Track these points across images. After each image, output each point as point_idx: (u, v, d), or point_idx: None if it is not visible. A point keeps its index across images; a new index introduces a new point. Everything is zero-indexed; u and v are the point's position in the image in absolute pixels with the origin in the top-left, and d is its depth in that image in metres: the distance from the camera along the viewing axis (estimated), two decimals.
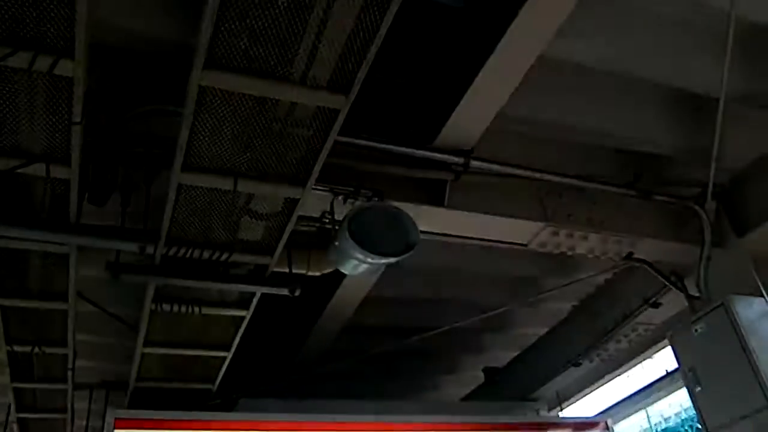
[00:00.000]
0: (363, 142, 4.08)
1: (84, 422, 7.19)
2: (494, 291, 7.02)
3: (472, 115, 4.15)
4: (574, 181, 4.76)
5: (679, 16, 4.42)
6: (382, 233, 3.78)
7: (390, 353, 7.42)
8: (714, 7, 4.27)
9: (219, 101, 2.85)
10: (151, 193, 3.78)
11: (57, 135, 2.95)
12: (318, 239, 4.40)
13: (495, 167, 4.44)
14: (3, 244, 3.65)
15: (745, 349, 4.47)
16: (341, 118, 2.98)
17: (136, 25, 3.68)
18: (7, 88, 2.71)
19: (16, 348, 4.85)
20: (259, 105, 2.91)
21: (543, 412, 7.28)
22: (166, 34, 3.71)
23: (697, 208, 5.07)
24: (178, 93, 2.91)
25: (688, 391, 4.81)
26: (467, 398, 8.70)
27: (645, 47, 4.51)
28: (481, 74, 3.83)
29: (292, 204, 3.52)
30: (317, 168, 3.27)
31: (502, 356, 8.21)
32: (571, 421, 7.01)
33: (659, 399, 7.70)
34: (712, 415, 4.62)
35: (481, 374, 8.26)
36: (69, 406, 6.07)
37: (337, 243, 3.82)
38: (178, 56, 3.10)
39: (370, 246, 3.66)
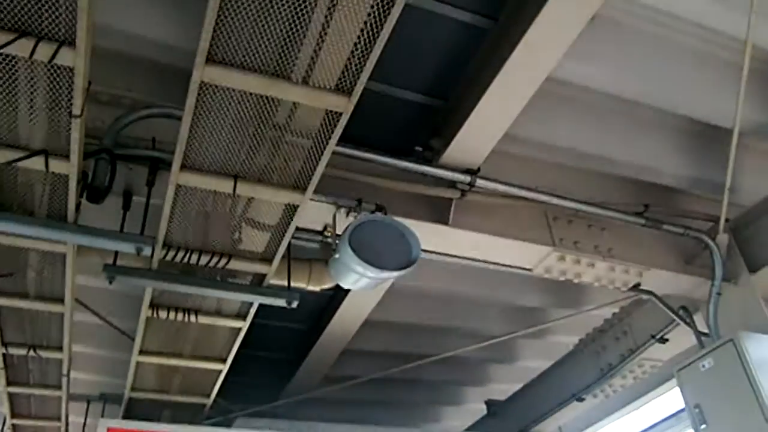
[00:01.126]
0: (368, 155, 4.06)
1: None
2: (500, 321, 6.95)
3: (479, 134, 4.13)
4: (584, 207, 4.70)
5: (695, 45, 4.42)
6: (384, 247, 3.72)
7: (391, 381, 7.33)
8: (731, 36, 4.25)
9: (220, 99, 2.82)
10: (152, 197, 3.77)
11: (57, 128, 2.93)
12: (320, 253, 4.36)
13: (501, 187, 4.38)
14: (1, 241, 3.61)
15: (753, 386, 4.33)
16: (344, 120, 2.94)
17: (141, 30, 3.74)
18: (7, 78, 2.68)
19: (12, 350, 4.80)
20: (260, 105, 2.88)
21: None
22: (171, 39, 3.77)
23: (708, 240, 4.98)
24: (182, 97, 2.88)
25: (694, 429, 4.67)
26: (469, 430, 8.54)
27: (661, 76, 4.49)
28: (488, 92, 3.82)
29: (291, 210, 3.48)
30: (318, 173, 3.23)
31: (505, 389, 8.10)
32: None
33: None
34: None
35: (484, 406, 8.12)
36: (63, 413, 5.99)
37: (337, 255, 3.77)
38: (185, 61, 3.07)
39: (371, 259, 3.60)
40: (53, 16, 2.43)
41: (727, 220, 5.05)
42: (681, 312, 5.34)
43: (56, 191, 3.30)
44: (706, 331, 5.05)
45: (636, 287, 5.15)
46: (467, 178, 4.27)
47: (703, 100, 4.68)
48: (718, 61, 4.46)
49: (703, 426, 4.55)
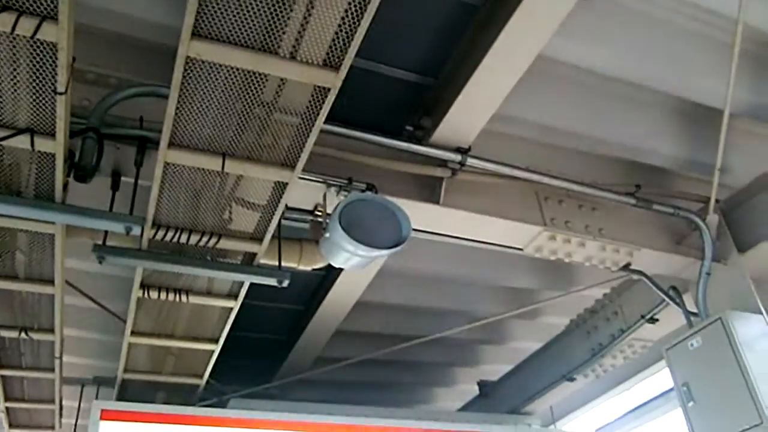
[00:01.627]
0: (358, 134, 4.06)
1: (73, 421, 7.18)
2: (491, 302, 6.98)
3: (470, 112, 4.13)
4: (575, 187, 4.71)
5: (688, 25, 4.41)
6: (374, 225, 3.71)
7: (383, 362, 7.37)
8: (725, 17, 4.24)
9: (206, 74, 2.80)
10: (141, 177, 3.75)
11: (41, 106, 2.90)
12: (311, 233, 4.36)
13: (492, 167, 4.38)
14: None
15: (740, 365, 4.37)
16: (332, 96, 2.92)
17: (127, 9, 3.72)
18: None
19: (3, 333, 4.79)
20: (247, 80, 2.86)
21: (536, 427, 7.15)
22: (158, 17, 3.75)
23: (698, 221, 4.99)
24: (169, 76, 2.86)
25: (682, 407, 4.70)
26: (461, 411, 8.59)
27: (653, 56, 4.49)
28: (478, 70, 3.81)
29: (281, 189, 3.46)
30: (307, 150, 3.22)
31: (497, 369, 8.15)
32: None
33: (655, 418, 7.57)
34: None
35: (476, 387, 8.16)
36: (57, 396, 6.00)
37: (328, 234, 3.77)
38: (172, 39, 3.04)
39: (361, 237, 3.60)
40: None
41: (717, 201, 5.07)
42: (671, 292, 5.35)
43: (43, 171, 3.28)
44: (695, 310, 5.06)
45: (626, 267, 5.17)
46: (458, 157, 4.27)
47: (696, 80, 4.69)
48: (711, 41, 4.46)
49: (691, 403, 4.59)
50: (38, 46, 2.61)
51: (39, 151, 3.12)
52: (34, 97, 2.86)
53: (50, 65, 2.69)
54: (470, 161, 4.29)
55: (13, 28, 2.48)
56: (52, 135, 3.02)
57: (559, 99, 4.74)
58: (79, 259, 4.97)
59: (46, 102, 2.87)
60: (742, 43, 4.47)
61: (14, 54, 2.65)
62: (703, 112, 4.91)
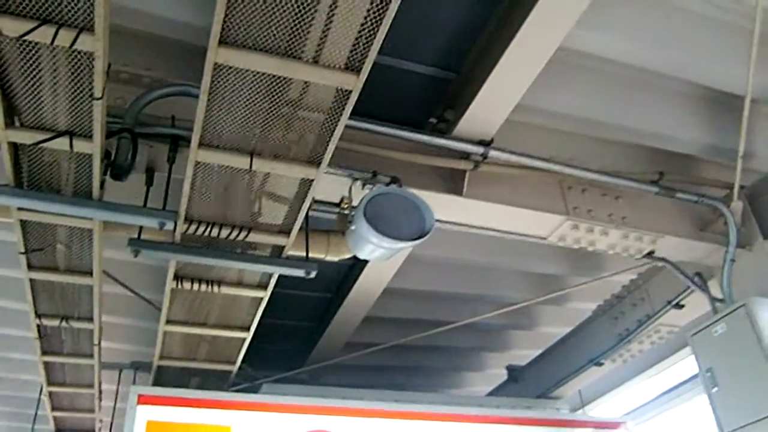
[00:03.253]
0: (382, 129, 4.15)
1: (112, 403, 7.42)
2: (520, 288, 7.05)
3: (492, 105, 4.18)
4: (597, 176, 4.74)
5: (710, 12, 4.41)
6: (398, 218, 3.82)
7: (413, 347, 7.50)
8: (747, 3, 4.24)
9: (233, 78, 2.92)
10: (173, 173, 3.90)
11: (79, 110, 3.04)
12: (337, 225, 4.48)
13: (515, 158, 4.44)
14: (31, 217, 3.77)
15: (763, 351, 4.40)
16: (353, 98, 3.03)
17: (160, 10, 3.85)
18: (31, 64, 2.80)
19: (45, 321, 4.99)
20: (272, 83, 2.97)
21: (564, 411, 7.24)
22: (189, 18, 3.88)
23: (722, 207, 5.01)
24: (200, 75, 2.98)
25: (706, 392, 4.75)
26: (490, 395, 8.69)
27: (674, 43, 4.50)
28: (500, 63, 3.86)
29: (307, 184, 3.58)
30: (331, 147, 3.32)
31: (526, 354, 8.23)
32: (591, 420, 6.95)
33: (683, 403, 7.60)
34: (728, 417, 4.55)
35: (505, 372, 8.26)
36: (96, 381, 6.22)
37: (353, 227, 3.89)
38: (202, 40, 3.16)
39: (385, 230, 3.71)
40: (72, 4, 2.54)
41: (742, 187, 5.08)
42: (696, 278, 5.39)
43: (81, 170, 3.43)
44: (720, 297, 5.10)
45: (650, 254, 5.21)
46: (480, 150, 4.34)
47: (717, 66, 4.68)
48: (732, 27, 4.45)
49: (715, 389, 4.64)
50: (76, 56, 2.75)
51: (77, 152, 3.27)
52: (72, 102, 3.00)
53: (87, 72, 2.83)
54: (492, 153, 4.36)
55: (53, 40, 2.62)
56: (89, 137, 3.16)
57: (580, 88, 4.77)
58: (116, 250, 5.14)
59: (84, 106, 3.02)
60: (763, 27, 4.49)
61: (54, 63, 2.79)
62: (726, 98, 4.91)
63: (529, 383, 7.87)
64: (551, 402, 7.41)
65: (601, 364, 6.82)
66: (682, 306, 5.78)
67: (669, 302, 5.86)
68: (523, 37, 3.73)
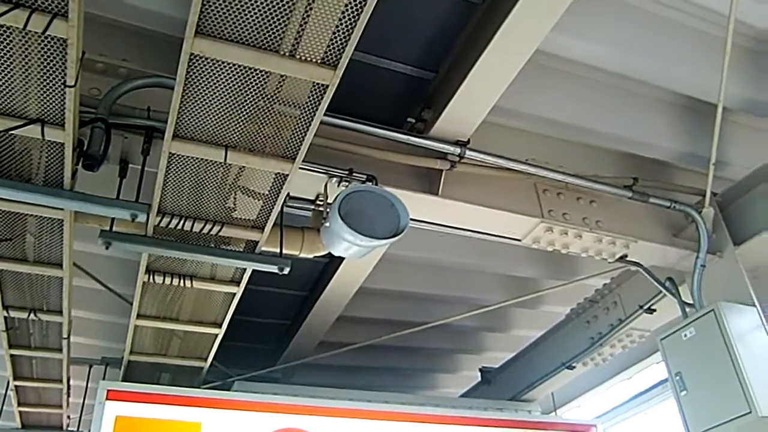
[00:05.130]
0: (359, 126, 4.14)
1: (81, 400, 7.33)
2: (494, 290, 7.07)
3: (470, 105, 4.19)
4: (572, 180, 4.78)
5: (687, 21, 4.48)
6: (373, 216, 3.81)
7: (387, 348, 7.50)
8: (724, 14, 4.29)
9: (210, 70, 2.90)
10: (147, 165, 3.86)
11: (51, 98, 3.00)
12: (312, 222, 4.46)
13: (491, 159, 4.46)
14: (0, 206, 3.72)
15: (731, 355, 4.46)
16: (330, 93, 3.02)
17: (138, 2, 3.83)
18: (2, 48, 2.76)
19: (12, 313, 4.92)
20: (249, 76, 2.95)
21: (536, 413, 7.27)
22: (166, 9, 3.85)
23: (694, 213, 5.05)
24: (176, 67, 2.95)
25: (674, 396, 4.80)
26: (463, 397, 8.71)
27: (652, 51, 4.57)
28: (478, 64, 3.86)
29: (282, 179, 3.57)
30: (307, 142, 3.32)
31: (499, 357, 8.27)
32: (563, 422, 6.99)
33: (654, 406, 7.68)
34: (696, 420, 4.61)
35: (478, 374, 8.28)
36: (64, 376, 6.15)
37: (328, 224, 3.87)
38: (179, 31, 3.14)
39: (360, 227, 3.69)
40: None
41: (714, 194, 5.14)
42: (667, 283, 5.43)
43: (53, 159, 3.39)
44: (690, 302, 5.15)
45: (623, 258, 5.24)
46: (457, 150, 4.35)
47: (693, 75, 4.75)
48: (708, 37, 4.52)
49: (684, 392, 4.69)
50: (49, 42, 2.71)
51: (49, 141, 3.22)
52: (44, 89, 2.96)
53: (60, 59, 2.79)
54: (469, 153, 4.37)
55: (26, 25, 2.58)
56: (61, 125, 3.12)
57: (558, 92, 4.81)
58: (87, 243, 5.09)
59: (56, 94, 2.97)
60: (742, 40, 4.56)
61: (26, 48, 2.75)
62: (702, 106, 4.98)
63: (502, 385, 7.89)
64: (524, 404, 7.43)
65: (573, 368, 6.86)
66: (654, 310, 5.82)
67: (641, 306, 5.90)
68: (500, 40, 3.74)
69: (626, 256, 5.21)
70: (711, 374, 4.56)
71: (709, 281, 5.06)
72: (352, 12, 2.68)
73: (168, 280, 4.40)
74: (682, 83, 4.88)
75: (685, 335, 4.79)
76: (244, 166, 3.47)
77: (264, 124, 3.25)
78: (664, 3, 4.34)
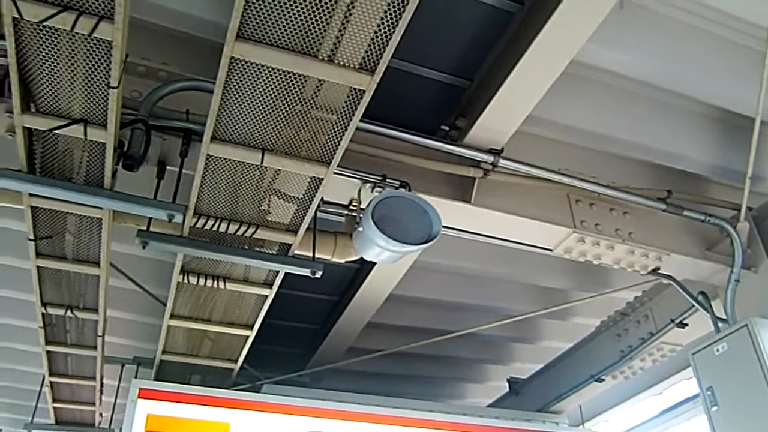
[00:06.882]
0: (394, 133, 4.17)
1: (113, 399, 7.45)
2: (524, 300, 7.04)
3: (504, 114, 4.21)
4: (606, 191, 4.75)
5: (721, 32, 4.45)
6: (406, 222, 3.84)
7: (415, 355, 7.51)
8: (761, 26, 4.27)
9: (249, 73, 2.95)
10: (185, 167, 3.93)
11: (95, 98, 3.09)
12: (345, 226, 4.50)
13: (524, 168, 4.46)
14: (42, 204, 3.81)
15: (764, 372, 4.39)
16: (366, 98, 3.06)
17: (178, 5, 3.91)
18: (50, 50, 2.84)
19: (50, 310, 5.03)
20: (287, 80, 3.01)
21: (564, 426, 7.22)
22: (206, 14, 3.93)
23: (729, 228, 5.00)
24: (215, 71, 3.01)
25: (705, 411, 4.75)
26: (490, 407, 8.67)
27: (687, 63, 4.54)
28: (513, 74, 3.88)
29: (316, 183, 3.62)
30: (342, 147, 3.36)
31: (528, 368, 8.23)
32: None
33: (683, 422, 7.58)
34: None
35: (506, 384, 8.25)
36: (98, 374, 6.25)
37: (361, 229, 3.91)
38: (219, 36, 3.20)
39: (393, 233, 3.72)
40: None
41: (749, 209, 5.09)
42: (700, 297, 5.37)
43: (94, 159, 3.48)
44: (723, 317, 5.09)
45: (655, 271, 5.20)
46: (490, 158, 4.36)
47: (729, 87, 4.70)
48: (743, 49, 4.49)
49: (715, 408, 4.63)
50: (95, 44, 2.80)
51: (91, 140, 3.31)
52: (88, 90, 3.04)
53: (105, 61, 2.87)
54: (502, 162, 4.38)
55: (73, 26, 2.67)
56: (104, 126, 3.20)
57: (592, 103, 4.80)
58: (124, 243, 5.18)
59: (100, 95, 3.06)
60: None
61: (72, 50, 2.84)
62: (737, 119, 4.92)
63: (529, 396, 7.86)
64: (551, 416, 7.39)
65: (602, 380, 6.81)
66: (686, 325, 5.77)
67: (672, 320, 5.85)
68: (537, 50, 3.76)
69: (659, 268, 5.16)
70: (743, 390, 4.50)
71: (743, 296, 5.00)
72: (391, 18, 2.72)
73: (202, 281, 4.47)
74: (716, 95, 4.83)
75: (718, 350, 4.73)
76: (279, 170, 3.52)
77: (300, 128, 3.30)
78: (699, 14, 4.32)
